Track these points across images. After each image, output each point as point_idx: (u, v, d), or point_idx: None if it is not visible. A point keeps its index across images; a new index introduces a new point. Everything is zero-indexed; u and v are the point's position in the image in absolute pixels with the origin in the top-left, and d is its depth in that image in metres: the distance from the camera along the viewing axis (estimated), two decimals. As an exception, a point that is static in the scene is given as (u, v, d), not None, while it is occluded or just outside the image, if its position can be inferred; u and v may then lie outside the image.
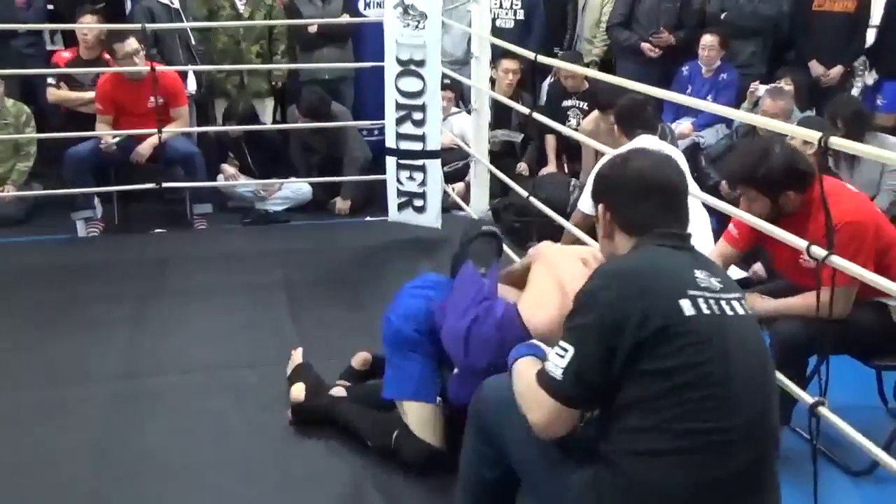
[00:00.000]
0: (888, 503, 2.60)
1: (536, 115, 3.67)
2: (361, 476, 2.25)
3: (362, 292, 3.55)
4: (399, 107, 3.98)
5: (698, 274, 1.52)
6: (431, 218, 4.17)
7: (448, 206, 4.47)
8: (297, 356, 2.70)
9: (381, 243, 4.20)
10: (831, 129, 4.02)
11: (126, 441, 2.43)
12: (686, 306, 1.46)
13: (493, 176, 4.99)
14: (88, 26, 4.60)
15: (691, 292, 1.48)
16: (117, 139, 4.38)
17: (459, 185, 5.05)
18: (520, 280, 2.23)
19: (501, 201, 4.67)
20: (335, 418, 2.39)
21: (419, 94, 3.92)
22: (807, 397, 1.72)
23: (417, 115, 3.96)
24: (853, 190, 2.74)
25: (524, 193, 3.69)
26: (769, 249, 2.86)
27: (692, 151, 4.66)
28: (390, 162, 4.13)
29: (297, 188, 4.94)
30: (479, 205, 4.64)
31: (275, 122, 5.42)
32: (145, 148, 4.41)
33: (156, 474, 2.28)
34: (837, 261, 1.83)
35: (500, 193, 4.79)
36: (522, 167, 5.26)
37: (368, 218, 4.66)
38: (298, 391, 2.47)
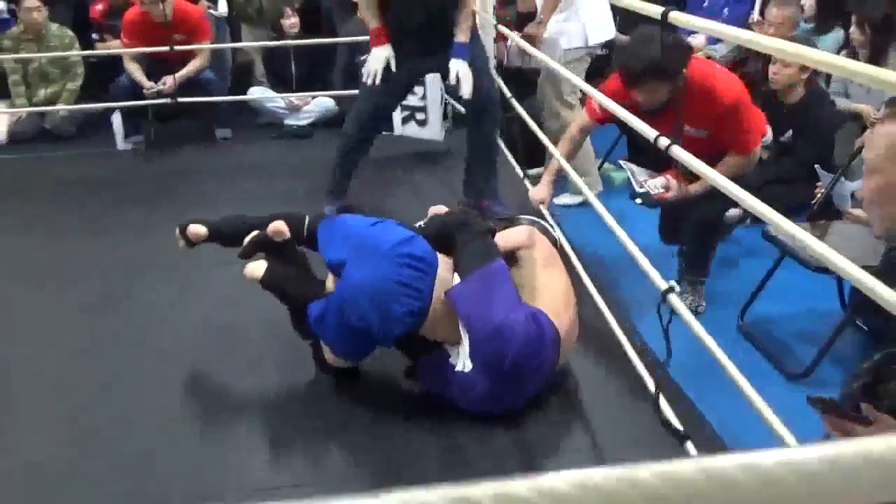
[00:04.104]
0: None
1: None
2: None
3: (359, 201, 3.78)
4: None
5: None
6: (434, 131, 4.37)
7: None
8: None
9: (385, 156, 4.42)
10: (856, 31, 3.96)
11: (116, 330, 2.80)
12: None
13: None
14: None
15: None
16: (152, 91, 4.69)
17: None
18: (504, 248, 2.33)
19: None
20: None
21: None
22: (660, 283, 1.85)
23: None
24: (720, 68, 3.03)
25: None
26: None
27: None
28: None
29: (321, 101, 5.20)
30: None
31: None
32: (169, 88, 4.69)
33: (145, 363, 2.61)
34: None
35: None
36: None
37: (385, 132, 4.88)
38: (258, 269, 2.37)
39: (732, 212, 3.41)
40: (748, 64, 4.33)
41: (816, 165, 3.31)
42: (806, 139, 3.70)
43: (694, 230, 3.02)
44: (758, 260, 3.40)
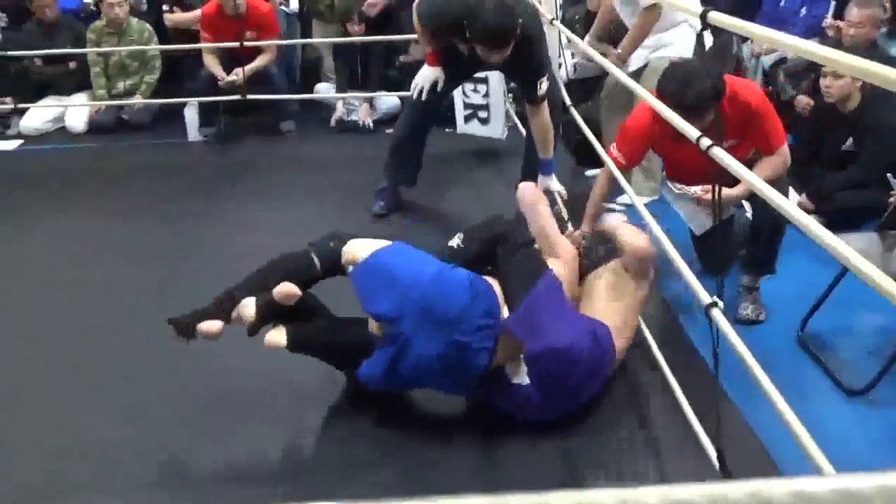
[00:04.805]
0: (880, 425, 2.57)
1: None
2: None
3: (414, 194, 3.83)
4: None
5: None
6: (495, 129, 4.36)
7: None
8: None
9: (447, 153, 4.44)
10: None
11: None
12: None
13: (574, 86, 5.06)
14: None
15: None
16: (226, 81, 4.81)
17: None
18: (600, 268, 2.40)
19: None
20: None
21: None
22: (704, 296, 1.81)
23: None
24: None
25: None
26: (670, 157, 3.02)
27: (775, 65, 4.51)
28: (456, 75, 4.33)
29: (386, 98, 5.24)
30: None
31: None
32: (239, 79, 4.78)
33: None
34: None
35: (583, 100, 4.84)
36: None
37: (447, 129, 4.89)
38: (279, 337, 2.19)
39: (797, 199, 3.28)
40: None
41: (889, 174, 3.17)
42: (870, 145, 3.53)
43: (759, 228, 2.96)
44: (821, 266, 3.30)
